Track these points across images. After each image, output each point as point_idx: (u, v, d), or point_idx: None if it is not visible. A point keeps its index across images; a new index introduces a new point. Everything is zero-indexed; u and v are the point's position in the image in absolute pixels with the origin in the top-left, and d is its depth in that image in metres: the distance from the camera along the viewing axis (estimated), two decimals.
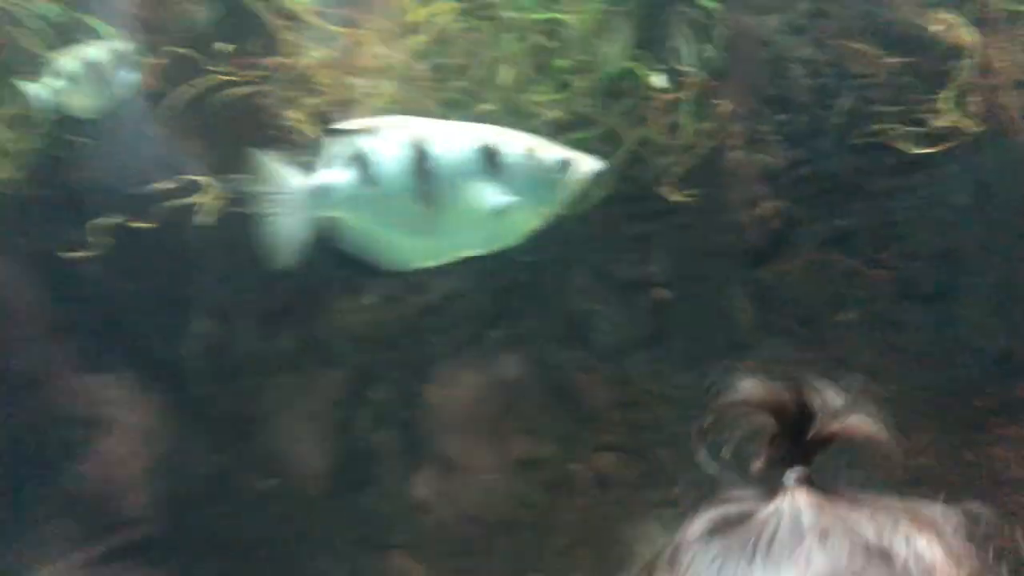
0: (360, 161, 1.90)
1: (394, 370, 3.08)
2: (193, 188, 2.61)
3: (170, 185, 2.56)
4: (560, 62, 2.69)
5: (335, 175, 1.91)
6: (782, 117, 2.93)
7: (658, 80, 2.63)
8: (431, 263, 2.18)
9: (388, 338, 3.06)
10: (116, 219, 2.66)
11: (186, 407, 3.22)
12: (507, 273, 2.98)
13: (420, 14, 2.48)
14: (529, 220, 2.06)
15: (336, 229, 2.06)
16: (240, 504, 3.21)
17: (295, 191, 1.90)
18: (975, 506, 0.76)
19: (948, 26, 2.73)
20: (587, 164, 2.09)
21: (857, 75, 2.84)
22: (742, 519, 0.70)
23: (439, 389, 3.08)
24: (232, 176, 2.40)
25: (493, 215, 1.95)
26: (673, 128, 2.74)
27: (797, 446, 0.74)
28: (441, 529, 3.10)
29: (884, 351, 3.08)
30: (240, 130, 2.73)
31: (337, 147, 1.92)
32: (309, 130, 2.59)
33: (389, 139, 1.88)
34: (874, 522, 0.71)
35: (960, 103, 2.69)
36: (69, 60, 2.48)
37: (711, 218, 3.08)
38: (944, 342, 3.08)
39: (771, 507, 0.69)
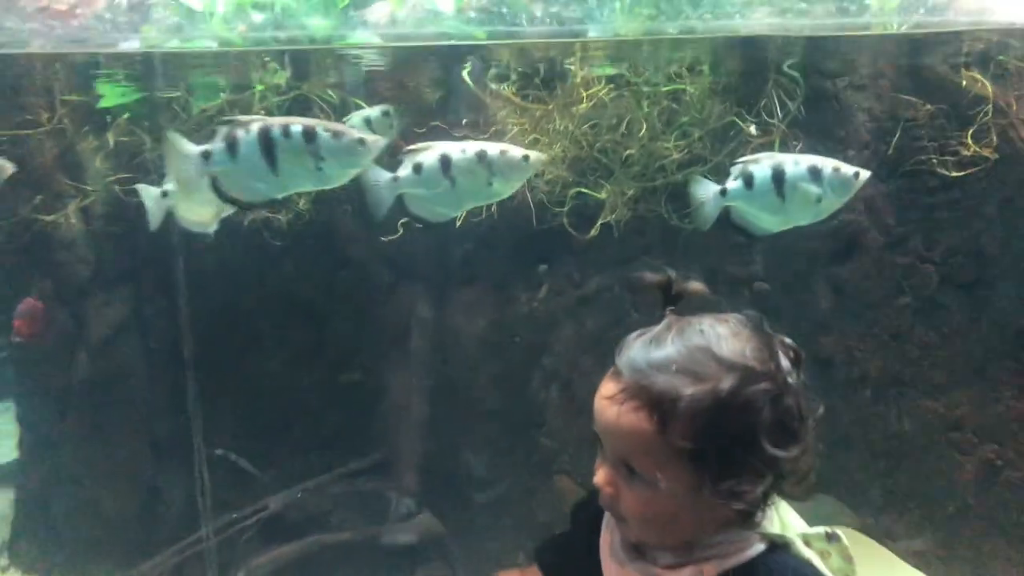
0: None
1: (559, 344, 4.02)
2: None
3: None
4: (682, 119, 3.64)
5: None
6: (851, 152, 3.73)
7: (752, 129, 3.55)
8: None
9: (555, 320, 4.00)
10: None
11: None
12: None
13: (584, 92, 3.50)
14: None
15: None
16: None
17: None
18: (759, 321, 1.34)
19: (973, 80, 3.54)
20: None
21: (906, 119, 3.61)
22: (649, 332, 1.36)
23: (591, 359, 4.00)
24: None
25: None
26: None
27: (668, 298, 1.41)
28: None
29: (931, 327, 3.79)
30: None
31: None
32: None
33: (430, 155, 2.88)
34: (700, 323, 1.33)
35: (981, 138, 3.51)
36: (355, 119, 3.55)
37: (798, 228, 3.88)
38: (976, 320, 3.76)
39: (662, 324, 1.36)
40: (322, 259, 4.23)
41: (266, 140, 2.59)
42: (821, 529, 1.41)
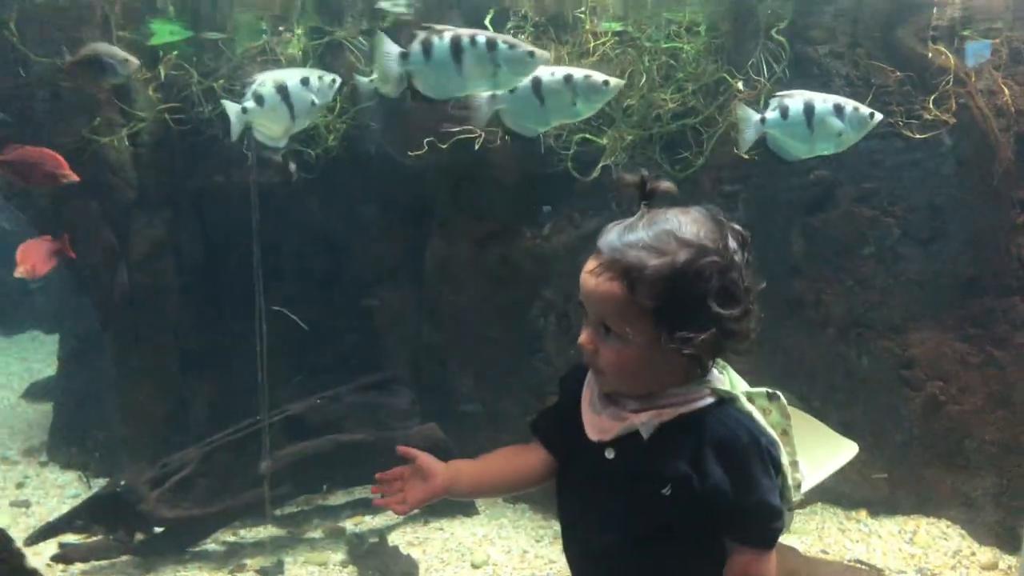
0: None
1: (558, 277, 4.36)
2: None
3: None
4: (679, 73, 4.04)
5: None
6: None
7: (740, 86, 3.93)
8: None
9: (556, 256, 4.35)
10: None
11: None
12: None
13: (591, 44, 3.91)
14: None
15: None
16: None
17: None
18: (717, 213, 1.61)
19: (937, 53, 3.95)
20: None
21: (878, 85, 4.00)
22: (626, 221, 1.61)
23: None
24: None
25: None
26: None
27: (644, 194, 1.63)
28: None
29: (891, 275, 4.20)
30: None
31: None
32: None
33: None
34: (667, 213, 1.58)
35: (942, 104, 3.92)
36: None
37: (778, 181, 4.22)
38: (931, 270, 4.16)
39: (637, 214, 1.61)
40: (346, 193, 4.63)
41: (456, 46, 3.00)
42: (763, 389, 1.69)
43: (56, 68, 4.02)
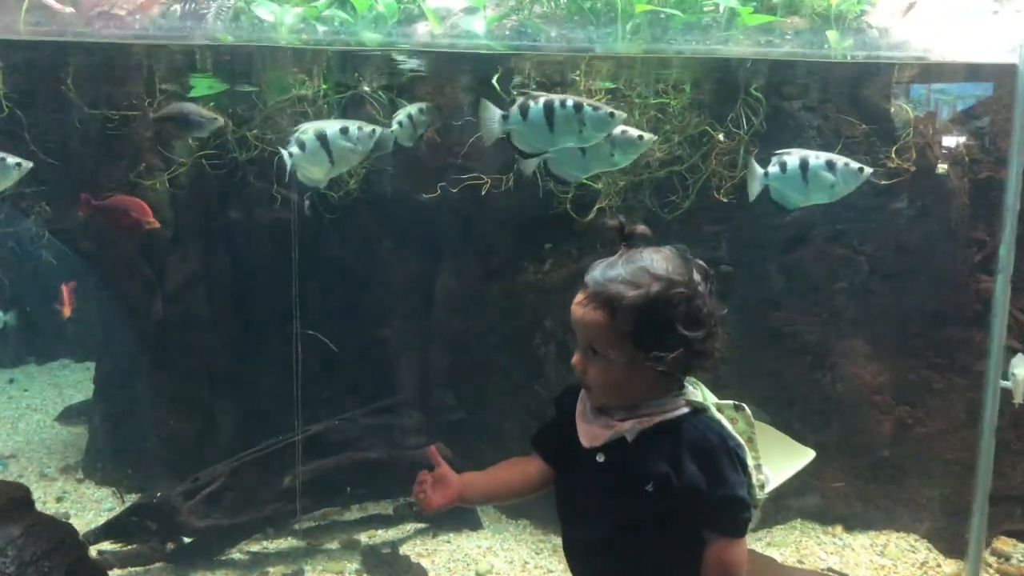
0: None
1: (558, 309, 4.67)
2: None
3: None
4: (666, 126, 4.41)
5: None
6: None
7: (721, 137, 4.32)
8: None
9: (556, 289, 4.70)
10: None
11: None
12: None
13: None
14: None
15: None
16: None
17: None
18: (684, 251, 1.88)
19: (898, 108, 4.36)
20: None
21: (846, 136, 4.37)
22: (607, 260, 1.92)
23: None
24: None
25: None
26: (731, 164, 4.41)
27: (623, 237, 1.92)
28: None
29: (861, 308, 4.56)
30: None
31: None
32: None
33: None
34: (643, 252, 1.87)
35: (904, 154, 4.33)
36: (400, 114, 4.37)
37: (756, 221, 4.53)
38: (897, 304, 4.52)
39: (617, 254, 1.91)
40: (364, 231, 5.05)
41: (548, 110, 3.47)
42: (730, 401, 1.96)
43: (142, 118, 4.52)
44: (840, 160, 3.77)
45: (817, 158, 3.77)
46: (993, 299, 3.02)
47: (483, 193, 4.47)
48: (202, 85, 4.81)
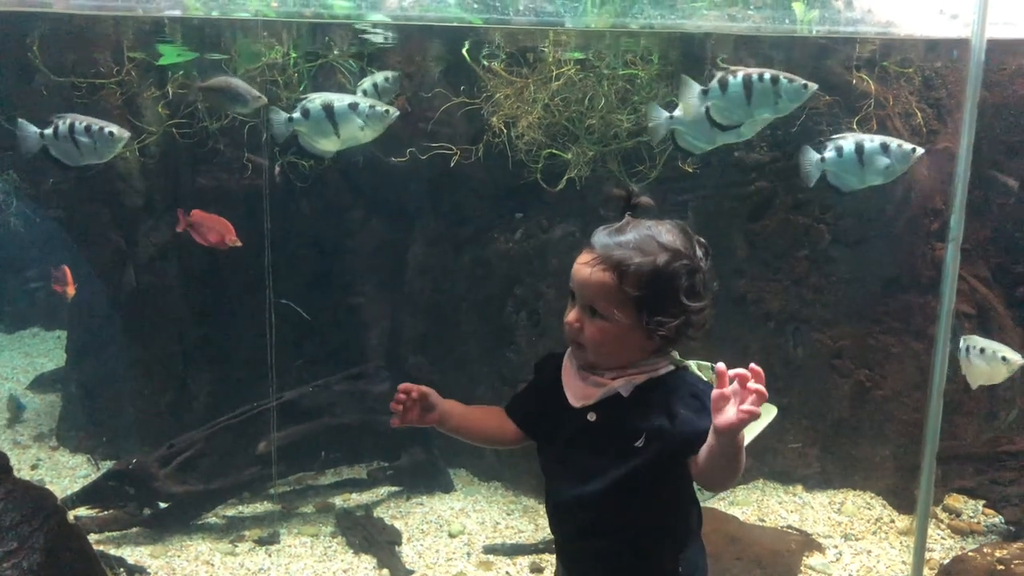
0: None
1: (529, 277, 4.82)
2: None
3: None
4: (634, 97, 4.49)
5: None
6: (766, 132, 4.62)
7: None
8: None
9: (526, 258, 4.80)
10: None
11: None
12: None
13: (553, 72, 4.40)
14: None
15: None
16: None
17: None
18: (686, 226, 1.97)
19: (860, 79, 4.46)
20: None
21: (810, 108, 4.44)
22: (613, 226, 1.97)
23: (554, 291, 4.73)
24: None
25: None
26: None
27: (628, 205, 2.00)
28: None
29: (823, 275, 4.70)
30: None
31: None
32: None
33: None
34: (648, 223, 1.94)
35: (865, 125, 4.43)
36: (366, 82, 4.40)
37: (723, 191, 4.68)
38: (857, 271, 4.66)
39: (623, 221, 1.96)
40: (336, 200, 5.09)
41: (747, 83, 3.61)
42: (708, 363, 2.01)
43: (185, 85, 4.62)
44: (893, 142, 3.89)
45: (872, 141, 3.89)
46: (943, 266, 3.13)
47: (451, 165, 4.52)
48: (170, 53, 4.80)
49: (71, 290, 4.94)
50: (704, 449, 1.85)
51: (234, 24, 4.64)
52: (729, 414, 1.73)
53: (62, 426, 5.59)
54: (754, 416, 1.71)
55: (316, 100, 3.94)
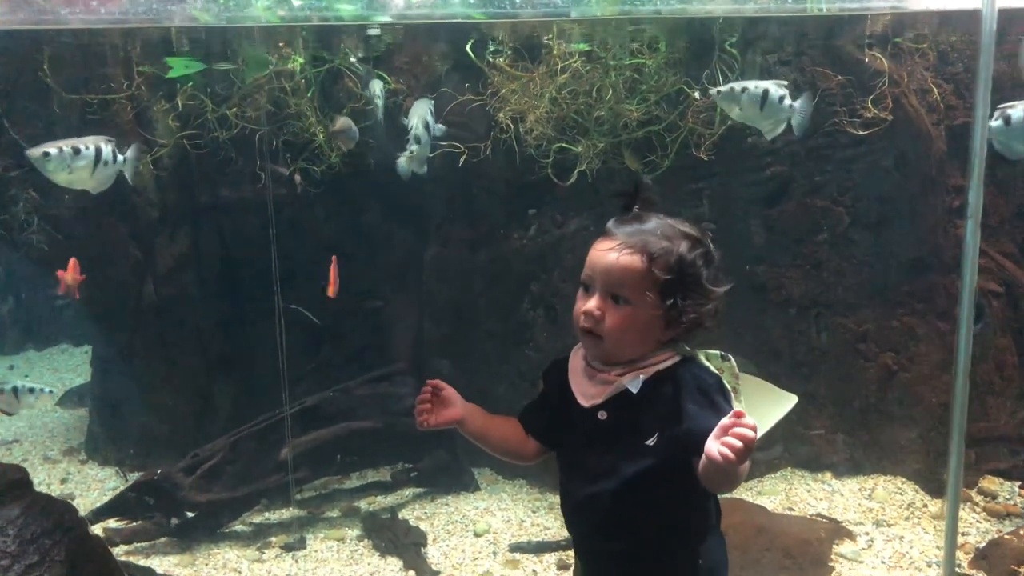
0: None
1: (544, 274, 4.81)
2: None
3: None
4: (642, 86, 4.45)
5: None
6: None
7: (697, 95, 4.35)
8: None
9: (541, 254, 4.79)
10: None
11: None
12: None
13: (559, 64, 4.35)
14: None
15: None
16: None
17: None
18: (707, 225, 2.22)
19: (873, 58, 4.38)
20: None
21: (822, 89, 4.40)
22: (628, 216, 1.99)
23: (571, 286, 4.76)
24: None
25: None
26: (708, 121, 4.45)
27: (634, 200, 2.01)
28: None
29: (844, 259, 4.61)
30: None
31: None
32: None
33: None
34: (662, 215, 1.96)
35: (880, 103, 4.35)
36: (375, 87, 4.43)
37: (738, 178, 4.63)
38: (878, 253, 4.57)
39: (634, 213, 1.98)
40: (348, 205, 5.08)
41: None
42: (717, 352, 2.00)
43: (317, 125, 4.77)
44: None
45: None
46: (963, 244, 3.05)
47: (460, 164, 4.50)
48: (179, 65, 4.81)
49: (73, 277, 4.87)
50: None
51: (240, 32, 4.65)
52: (712, 448, 1.71)
53: (90, 440, 5.64)
54: (728, 460, 1.67)
55: (416, 123, 4.17)
